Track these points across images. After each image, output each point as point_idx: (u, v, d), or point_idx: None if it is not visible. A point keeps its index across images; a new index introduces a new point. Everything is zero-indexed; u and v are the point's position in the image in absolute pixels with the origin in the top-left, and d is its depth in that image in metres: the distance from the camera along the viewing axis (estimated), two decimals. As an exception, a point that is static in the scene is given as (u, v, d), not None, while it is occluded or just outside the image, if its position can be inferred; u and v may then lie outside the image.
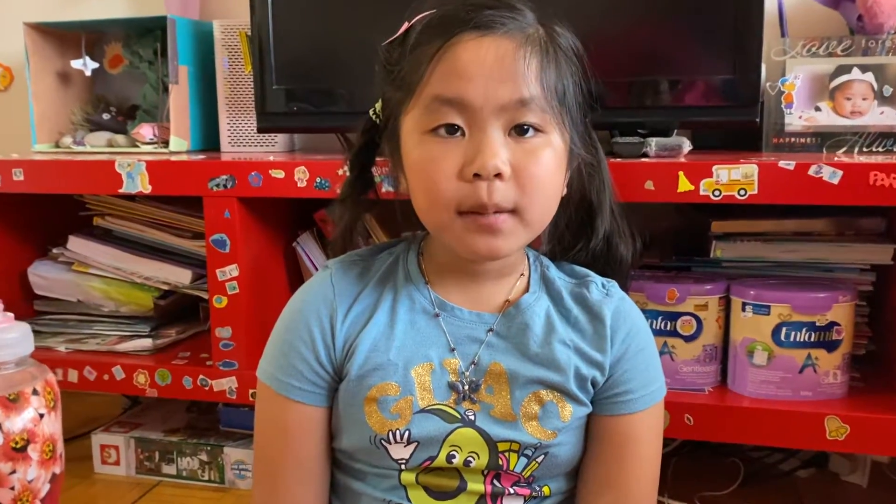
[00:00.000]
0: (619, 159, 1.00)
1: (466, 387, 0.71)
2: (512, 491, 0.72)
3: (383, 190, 0.82)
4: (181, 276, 1.25)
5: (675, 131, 1.09)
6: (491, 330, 0.73)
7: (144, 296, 1.26)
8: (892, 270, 1.04)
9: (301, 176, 1.07)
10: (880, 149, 1.10)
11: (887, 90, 1.09)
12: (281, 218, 1.23)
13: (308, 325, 0.73)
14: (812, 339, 0.97)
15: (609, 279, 0.78)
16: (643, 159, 1.00)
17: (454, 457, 0.70)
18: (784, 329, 0.98)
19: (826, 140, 1.11)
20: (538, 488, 0.73)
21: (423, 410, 0.70)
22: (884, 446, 0.96)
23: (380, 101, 0.76)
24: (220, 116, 1.38)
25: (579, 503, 0.76)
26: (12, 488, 0.84)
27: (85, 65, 1.43)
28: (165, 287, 1.26)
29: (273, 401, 0.74)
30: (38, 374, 0.88)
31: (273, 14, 1.17)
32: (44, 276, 1.30)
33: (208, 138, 1.41)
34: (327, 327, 0.72)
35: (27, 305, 1.32)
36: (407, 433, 0.69)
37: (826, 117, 1.11)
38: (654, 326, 1.02)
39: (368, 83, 0.77)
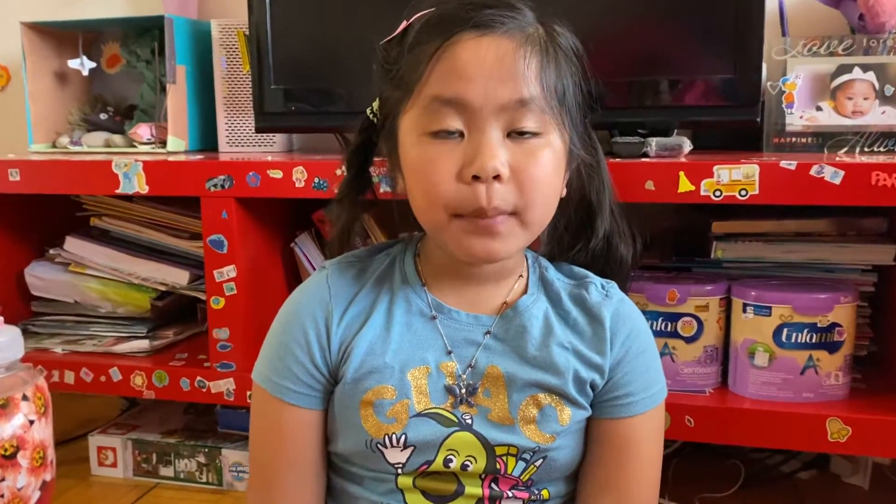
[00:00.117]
0: (619, 159, 1.00)
1: (463, 390, 0.71)
2: (510, 494, 0.71)
3: (381, 190, 0.82)
4: (178, 277, 1.24)
5: (676, 131, 1.09)
6: (488, 332, 0.73)
7: (141, 297, 1.26)
8: (893, 271, 1.03)
9: (299, 176, 1.06)
10: (882, 149, 1.09)
11: (889, 90, 1.09)
12: (279, 218, 1.22)
13: (303, 326, 0.72)
14: (813, 341, 0.97)
15: (609, 280, 0.78)
16: (643, 159, 1.00)
17: (451, 461, 0.69)
18: (785, 330, 0.97)
19: (827, 140, 1.10)
20: (537, 492, 0.72)
21: (419, 414, 0.69)
22: (886, 448, 0.95)
23: (377, 99, 0.76)
24: (218, 116, 1.38)
25: (579, 506, 0.75)
26: (1, 496, 0.83)
27: (82, 64, 1.43)
28: (163, 288, 1.25)
29: (268, 404, 0.73)
30: (28, 379, 0.87)
31: (271, 13, 1.17)
32: (40, 277, 1.29)
33: (206, 138, 1.41)
34: (322, 329, 0.72)
35: (24, 306, 1.32)
36: (403, 437, 0.69)
37: (827, 117, 1.11)
38: (654, 327, 1.01)
39: (367, 83, 0.76)
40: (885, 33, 1.10)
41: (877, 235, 1.04)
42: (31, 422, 0.85)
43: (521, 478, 0.71)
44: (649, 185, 0.95)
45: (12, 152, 1.36)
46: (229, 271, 1.12)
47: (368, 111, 0.77)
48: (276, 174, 1.07)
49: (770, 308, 0.97)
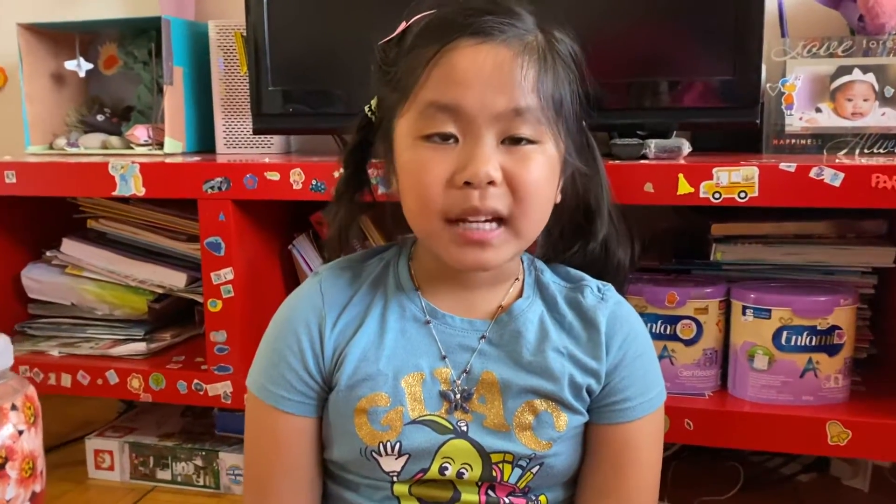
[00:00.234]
0: (618, 161, 0.99)
1: (458, 396, 0.70)
2: (507, 501, 0.70)
3: (379, 192, 0.81)
4: (176, 280, 1.24)
5: (675, 133, 1.08)
6: (483, 337, 0.72)
7: (139, 299, 1.25)
8: (893, 273, 1.03)
9: (297, 178, 1.06)
10: (882, 150, 1.09)
11: (889, 91, 1.08)
12: (276, 221, 1.22)
13: (297, 333, 0.72)
14: (813, 343, 0.96)
15: (605, 283, 0.77)
16: (642, 161, 0.99)
17: (446, 469, 0.69)
18: (785, 333, 0.97)
19: (827, 141, 1.10)
20: (534, 498, 0.72)
21: (413, 422, 0.69)
22: (886, 451, 0.95)
23: (375, 98, 0.75)
24: (216, 118, 1.37)
25: (577, 512, 0.75)
26: (-11, 507, 0.82)
27: (79, 66, 1.43)
28: (160, 290, 1.25)
29: (262, 411, 0.73)
30: (18, 388, 0.86)
31: (269, 14, 1.16)
32: (37, 280, 1.29)
33: (203, 140, 1.40)
34: (316, 336, 0.71)
35: (20, 309, 1.32)
36: (398, 445, 0.68)
37: (827, 118, 1.10)
38: (653, 330, 1.01)
39: (365, 84, 0.76)
40: (885, 34, 1.09)
41: (876, 237, 1.04)
42: (21, 432, 0.83)
43: (518, 485, 0.70)
44: (648, 187, 0.95)
45: (9, 154, 1.36)
46: (227, 274, 1.11)
47: (367, 108, 0.76)
48: (274, 176, 1.07)
49: (770, 311, 0.97)
